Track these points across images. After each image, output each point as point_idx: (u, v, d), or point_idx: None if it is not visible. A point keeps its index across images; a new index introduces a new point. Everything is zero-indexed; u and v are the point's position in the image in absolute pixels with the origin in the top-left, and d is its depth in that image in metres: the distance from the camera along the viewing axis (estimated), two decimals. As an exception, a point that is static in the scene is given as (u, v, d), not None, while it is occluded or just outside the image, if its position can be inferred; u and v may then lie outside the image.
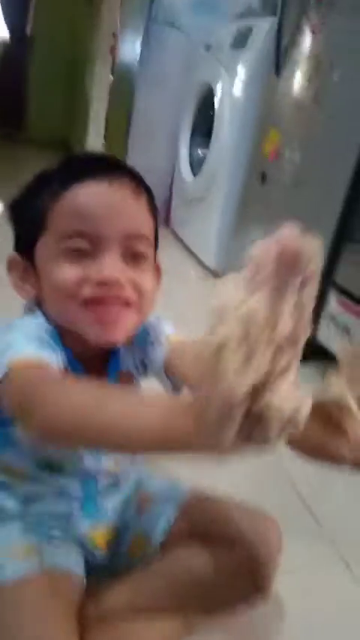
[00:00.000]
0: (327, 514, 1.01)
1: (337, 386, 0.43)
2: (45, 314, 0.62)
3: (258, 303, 0.32)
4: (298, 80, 1.67)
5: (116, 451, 0.56)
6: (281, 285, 0.33)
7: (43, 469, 0.68)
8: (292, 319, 0.33)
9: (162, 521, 0.75)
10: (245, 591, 0.75)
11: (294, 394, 0.33)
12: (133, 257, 0.60)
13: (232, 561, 0.70)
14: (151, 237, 0.63)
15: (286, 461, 1.13)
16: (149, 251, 0.62)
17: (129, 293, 0.59)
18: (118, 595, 0.70)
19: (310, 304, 0.34)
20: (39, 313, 0.63)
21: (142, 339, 0.70)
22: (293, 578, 0.84)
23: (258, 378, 0.32)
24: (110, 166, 0.62)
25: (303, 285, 0.34)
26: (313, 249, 0.33)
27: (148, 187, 0.63)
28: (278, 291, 0.33)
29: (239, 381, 0.32)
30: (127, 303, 0.59)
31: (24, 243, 0.63)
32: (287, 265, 0.33)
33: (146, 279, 0.61)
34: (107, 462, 0.70)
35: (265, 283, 0.33)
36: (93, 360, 0.66)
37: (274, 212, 1.81)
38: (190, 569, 0.71)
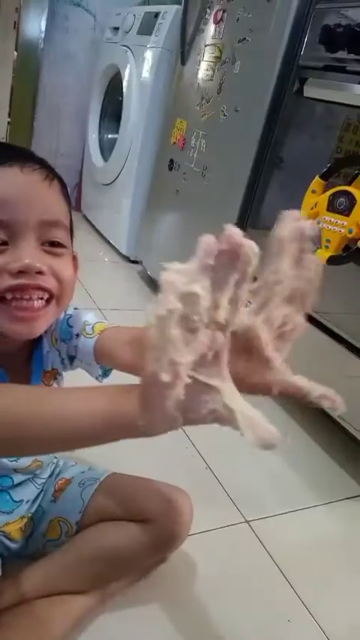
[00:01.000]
0: (230, 479, 1.10)
1: (249, 318, 0.44)
2: None
3: (201, 288, 0.36)
4: (202, 70, 1.72)
5: (60, 448, 0.55)
6: (221, 278, 0.37)
7: None
8: (226, 310, 0.38)
9: (78, 502, 0.77)
10: (157, 560, 0.80)
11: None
12: (51, 245, 0.58)
13: (147, 536, 0.74)
14: (68, 225, 0.62)
15: (191, 433, 1.20)
16: (66, 239, 0.61)
17: (50, 283, 0.57)
18: (35, 575, 0.72)
19: (244, 300, 0.39)
20: None
21: (67, 333, 0.69)
22: (200, 539, 0.91)
23: (194, 356, 0.37)
24: (20, 155, 0.59)
25: (240, 282, 0.38)
26: (253, 251, 0.37)
27: (59, 176, 0.62)
28: (218, 284, 0.37)
29: (179, 355, 0.35)
30: (49, 295, 0.57)
31: None
32: (229, 261, 0.37)
33: (65, 267, 0.60)
34: (25, 460, 0.70)
35: (206, 275, 0.36)
36: (14, 361, 0.65)
37: (183, 198, 1.87)
38: (106, 544, 0.73)
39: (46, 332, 0.68)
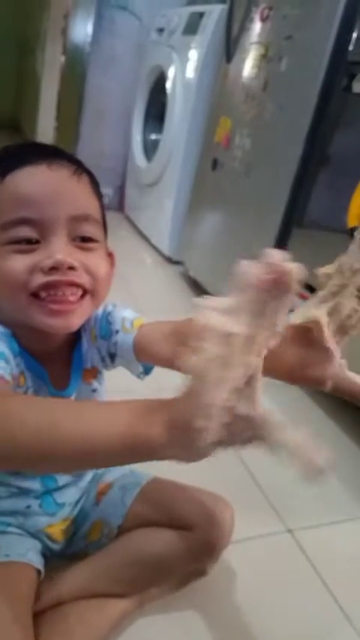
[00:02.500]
0: (272, 487, 1.07)
1: (316, 309, 0.42)
2: None
3: (240, 326, 0.33)
4: (247, 68, 1.70)
5: (73, 467, 0.53)
6: (261, 309, 0.34)
7: (6, 471, 0.68)
8: (264, 337, 0.35)
9: (120, 505, 0.77)
10: (197, 568, 0.79)
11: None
12: (82, 240, 0.58)
13: (186, 543, 0.73)
14: (99, 219, 0.61)
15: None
16: (98, 233, 0.60)
17: (83, 279, 0.57)
18: (75, 578, 0.72)
19: (281, 323, 0.36)
20: None
21: (106, 331, 0.68)
22: (241, 547, 0.88)
23: (232, 387, 0.34)
24: (47, 152, 0.59)
25: (281, 308, 0.35)
26: (296, 275, 0.34)
27: (89, 170, 0.61)
28: (258, 314, 0.34)
29: (215, 398, 0.34)
30: (82, 291, 0.57)
31: None
32: (271, 291, 0.34)
33: (99, 262, 0.59)
34: None
35: (245, 307, 0.34)
36: (54, 359, 0.65)
37: (226, 198, 1.85)
38: (146, 549, 0.73)
39: (85, 330, 0.68)
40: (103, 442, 0.40)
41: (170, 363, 0.60)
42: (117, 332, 0.68)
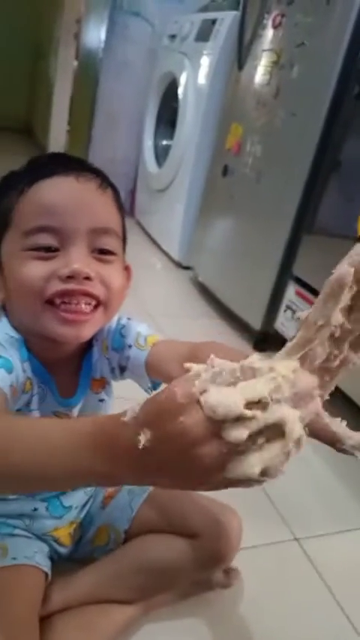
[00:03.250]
0: (280, 495, 1.07)
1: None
2: (11, 318, 0.61)
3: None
4: (259, 75, 1.70)
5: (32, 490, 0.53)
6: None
7: None
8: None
9: (127, 510, 0.77)
10: (204, 576, 0.79)
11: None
12: (100, 252, 0.59)
13: (194, 552, 0.73)
14: (119, 233, 0.62)
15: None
16: (117, 247, 0.61)
17: (98, 290, 0.57)
18: (83, 582, 0.72)
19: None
20: (4, 318, 0.61)
21: (119, 343, 0.69)
22: (248, 555, 0.88)
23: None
24: (77, 164, 0.61)
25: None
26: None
27: (113, 185, 0.63)
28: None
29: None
30: (96, 302, 0.58)
31: None
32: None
33: (115, 275, 0.60)
34: None
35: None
36: (63, 367, 0.66)
37: (236, 204, 1.85)
38: (153, 556, 0.73)
39: (97, 340, 0.69)
40: (58, 477, 0.39)
41: None
42: (130, 346, 0.68)
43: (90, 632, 0.68)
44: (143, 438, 0.31)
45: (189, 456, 0.31)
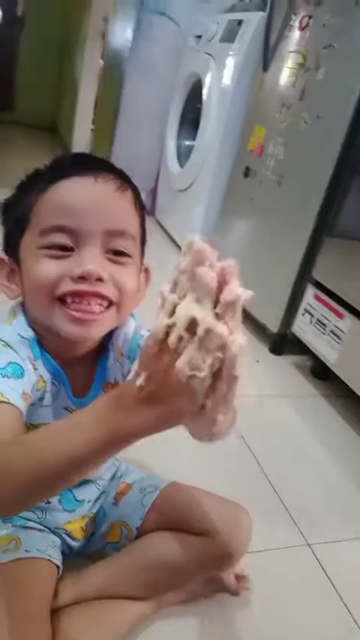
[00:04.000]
0: (294, 500, 1.06)
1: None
2: (27, 315, 0.62)
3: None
4: (284, 77, 1.69)
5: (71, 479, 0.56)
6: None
7: None
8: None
9: (139, 507, 0.78)
10: (214, 574, 0.79)
11: None
12: (115, 254, 0.58)
13: (204, 550, 0.73)
14: (136, 236, 0.62)
15: (255, 448, 1.17)
16: (133, 249, 0.61)
17: (110, 291, 0.57)
18: (95, 577, 0.73)
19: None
20: (20, 316, 0.62)
21: (136, 354, 0.68)
22: (259, 558, 0.88)
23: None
24: (97, 164, 0.61)
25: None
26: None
27: (134, 186, 0.62)
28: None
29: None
30: (108, 303, 0.58)
31: (11, 241, 0.62)
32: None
33: (128, 277, 0.59)
34: None
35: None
36: (78, 366, 0.66)
37: (257, 206, 1.84)
38: (164, 553, 0.74)
39: (113, 345, 0.69)
40: (88, 456, 0.42)
41: None
42: None
43: (100, 626, 0.69)
44: (140, 379, 0.39)
45: (167, 375, 0.37)
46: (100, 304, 0.57)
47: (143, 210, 0.64)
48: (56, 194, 0.58)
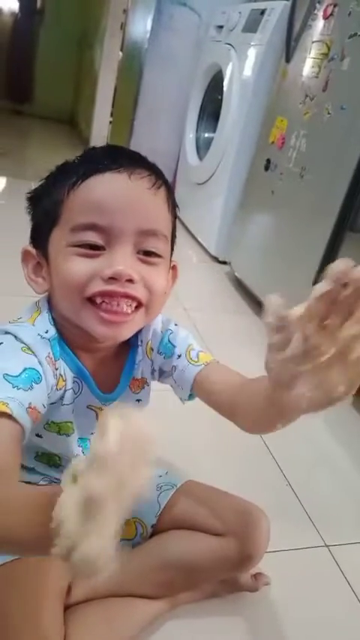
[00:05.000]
0: (312, 501, 1.04)
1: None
2: (53, 309, 0.61)
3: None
4: (307, 67, 1.65)
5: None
6: None
7: (40, 461, 0.69)
8: None
9: (154, 505, 0.77)
10: (230, 575, 0.78)
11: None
12: (146, 254, 0.57)
13: (221, 550, 0.72)
14: (168, 235, 0.60)
15: (274, 449, 1.15)
16: (164, 249, 0.59)
17: (140, 292, 0.56)
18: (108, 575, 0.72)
19: None
20: (45, 312, 0.61)
21: (168, 350, 0.69)
22: (276, 558, 0.87)
23: None
24: (131, 160, 0.58)
25: None
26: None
27: (167, 182, 0.60)
28: None
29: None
30: (137, 303, 0.57)
31: (39, 234, 0.61)
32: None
33: (158, 277, 0.59)
34: None
35: None
36: (106, 362, 0.66)
37: (277, 200, 1.81)
38: (181, 553, 0.73)
39: (141, 341, 0.68)
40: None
41: (223, 412, 0.64)
42: (179, 356, 0.68)
43: (113, 624, 0.68)
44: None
45: None
46: (130, 305, 0.56)
47: (174, 207, 0.63)
48: (88, 190, 0.56)
